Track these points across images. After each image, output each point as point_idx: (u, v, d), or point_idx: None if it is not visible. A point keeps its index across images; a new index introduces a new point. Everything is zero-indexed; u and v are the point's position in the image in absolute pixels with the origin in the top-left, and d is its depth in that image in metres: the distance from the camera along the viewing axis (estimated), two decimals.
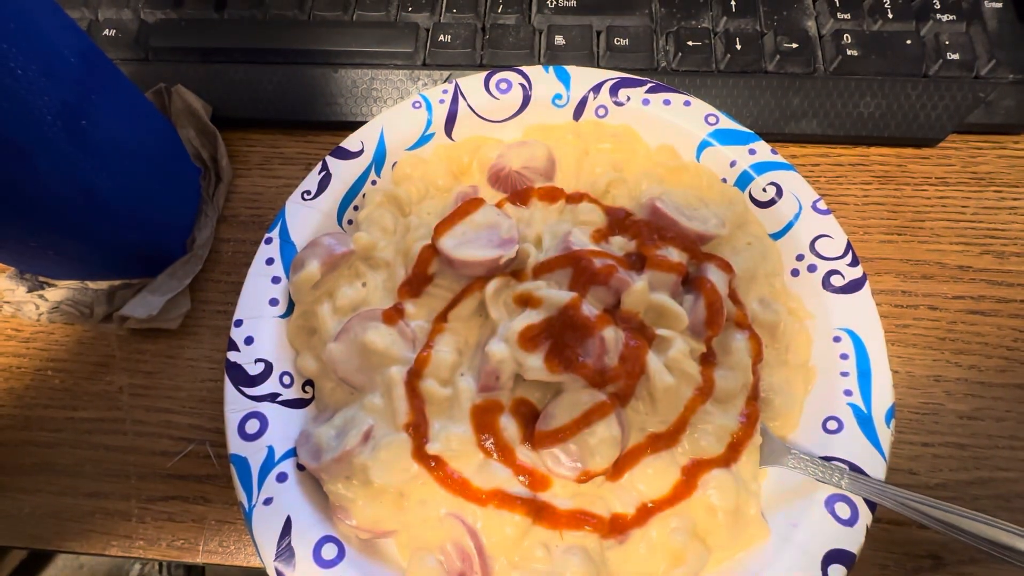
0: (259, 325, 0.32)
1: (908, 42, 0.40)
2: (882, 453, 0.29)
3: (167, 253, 0.37)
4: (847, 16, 0.41)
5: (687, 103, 0.37)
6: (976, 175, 0.40)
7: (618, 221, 0.34)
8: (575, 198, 0.35)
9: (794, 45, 0.40)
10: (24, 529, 0.33)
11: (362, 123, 0.38)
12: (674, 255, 0.32)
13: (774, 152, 0.36)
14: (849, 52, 0.39)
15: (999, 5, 0.41)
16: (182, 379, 0.36)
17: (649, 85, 0.38)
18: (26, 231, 0.31)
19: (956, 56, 0.39)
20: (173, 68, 0.42)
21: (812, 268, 0.33)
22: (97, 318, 0.36)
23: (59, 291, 0.37)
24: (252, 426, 0.30)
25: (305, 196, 0.35)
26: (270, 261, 0.34)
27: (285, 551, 0.28)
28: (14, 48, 0.26)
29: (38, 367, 0.37)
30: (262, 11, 0.43)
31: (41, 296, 0.37)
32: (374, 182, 0.37)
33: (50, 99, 0.28)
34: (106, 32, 0.43)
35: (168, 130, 0.39)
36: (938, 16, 0.40)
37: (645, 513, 0.29)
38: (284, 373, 0.32)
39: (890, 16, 0.41)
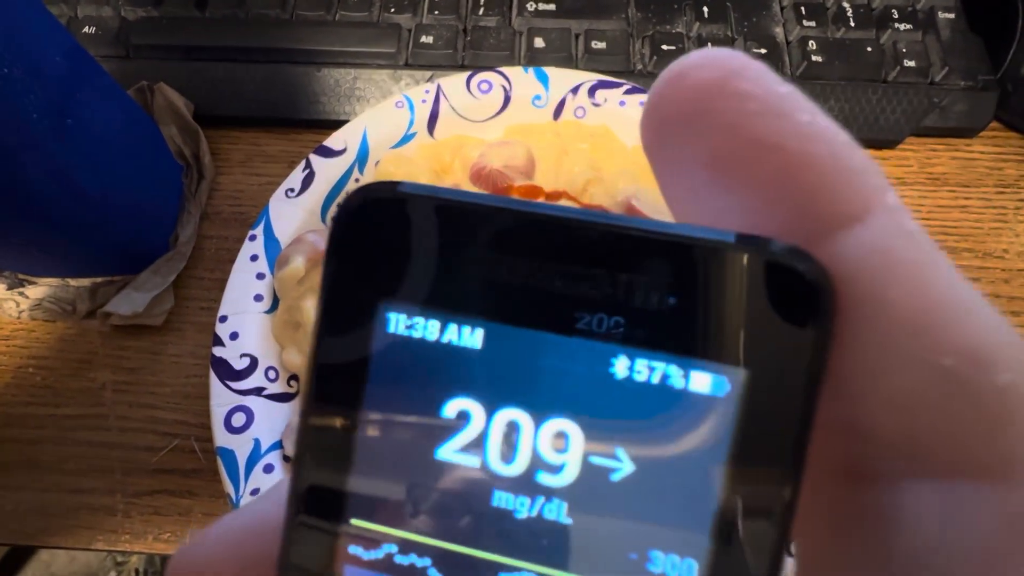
0: (244, 321, 0.33)
1: (869, 49, 0.42)
2: None
3: (150, 250, 0.37)
4: (812, 23, 0.43)
5: None
6: (932, 175, 0.42)
7: None
8: (554, 196, 0.37)
9: (763, 50, 0.42)
10: (7, 524, 0.33)
11: (345, 122, 0.39)
12: None
13: None
14: (814, 58, 0.41)
15: (952, 16, 0.43)
16: (166, 375, 0.36)
17: (626, 87, 0.39)
18: (9, 228, 0.31)
19: (912, 63, 0.41)
20: (154, 66, 0.42)
21: None
22: (80, 315, 0.37)
23: (40, 288, 0.37)
24: (238, 419, 0.31)
25: (289, 193, 0.36)
26: (254, 257, 0.34)
27: None
28: (0, 47, 0.26)
29: (19, 364, 0.37)
30: (244, 10, 0.43)
31: (22, 293, 0.37)
32: (357, 180, 0.38)
33: (36, 98, 0.28)
34: (86, 29, 0.43)
35: (151, 128, 0.39)
36: (896, 25, 0.43)
37: None
38: (269, 368, 0.33)
39: (852, 24, 0.43)
